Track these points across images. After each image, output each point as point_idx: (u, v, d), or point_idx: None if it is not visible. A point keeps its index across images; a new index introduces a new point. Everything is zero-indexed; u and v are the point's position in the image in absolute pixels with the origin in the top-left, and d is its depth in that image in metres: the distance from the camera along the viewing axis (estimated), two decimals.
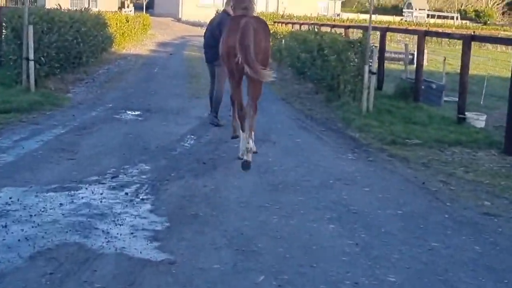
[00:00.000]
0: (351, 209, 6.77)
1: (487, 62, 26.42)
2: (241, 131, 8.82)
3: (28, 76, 13.08)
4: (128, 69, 21.36)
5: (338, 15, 71.45)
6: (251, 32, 8.06)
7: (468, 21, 76.54)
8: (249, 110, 8.64)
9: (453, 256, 5.59)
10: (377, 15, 60.59)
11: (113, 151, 8.94)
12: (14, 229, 5.57)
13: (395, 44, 40.95)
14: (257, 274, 4.93)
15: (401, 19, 70.49)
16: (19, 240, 5.33)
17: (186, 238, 5.63)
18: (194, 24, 56.74)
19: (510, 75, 10.31)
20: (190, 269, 4.95)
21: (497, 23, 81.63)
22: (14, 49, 13.50)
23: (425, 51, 16.94)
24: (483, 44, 38.56)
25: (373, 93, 12.99)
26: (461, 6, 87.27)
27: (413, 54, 22.49)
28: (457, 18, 77.21)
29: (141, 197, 6.78)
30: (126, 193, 6.88)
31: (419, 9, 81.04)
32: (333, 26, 24.80)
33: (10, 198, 6.44)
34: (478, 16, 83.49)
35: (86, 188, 6.97)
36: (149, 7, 70.00)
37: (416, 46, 21.59)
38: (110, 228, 5.74)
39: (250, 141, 8.43)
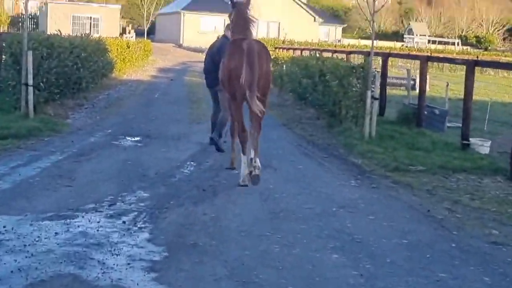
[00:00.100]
0: (355, 238, 6.58)
1: (489, 87, 26.30)
2: (242, 154, 8.75)
3: (27, 102, 12.95)
4: (129, 95, 21.26)
5: (339, 40, 71.60)
6: (255, 55, 8.24)
7: (469, 47, 76.73)
8: (253, 131, 8.74)
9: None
10: (378, 40, 60.71)
11: (111, 178, 8.77)
12: (7, 260, 5.38)
13: (396, 69, 40.93)
14: None
15: (402, 45, 70.69)
16: (11, 271, 5.14)
17: (184, 269, 5.44)
18: (195, 50, 56.82)
19: None
20: None
21: (498, 49, 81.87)
22: (13, 74, 13.41)
23: (427, 76, 16.80)
24: (484, 69, 38.55)
25: (375, 119, 12.84)
26: (462, 32, 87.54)
27: (414, 80, 22.44)
28: (458, 44, 77.40)
29: (139, 226, 6.59)
30: (124, 222, 6.69)
31: (420, 35, 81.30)
32: (335, 51, 24.76)
33: (4, 227, 6.25)
34: (479, 42, 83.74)
35: (83, 216, 6.79)
36: (151, 33, 70.27)
37: (417, 71, 21.60)
38: (106, 258, 5.55)
39: (257, 160, 8.58)
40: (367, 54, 16.23)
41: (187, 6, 66.27)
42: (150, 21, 70.20)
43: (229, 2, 9.38)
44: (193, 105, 18.54)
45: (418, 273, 5.66)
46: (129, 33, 60.68)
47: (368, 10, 13.03)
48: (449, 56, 39.15)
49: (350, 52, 22.33)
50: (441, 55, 38.60)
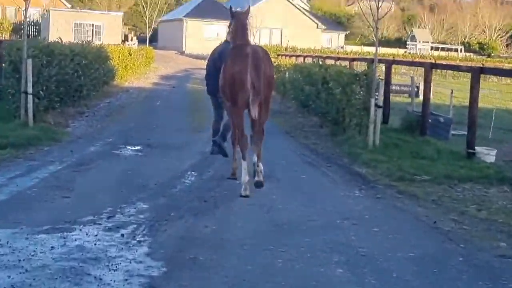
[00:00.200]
0: (360, 251, 6.39)
1: (493, 94, 26.14)
2: (242, 160, 8.66)
3: (26, 111, 12.80)
4: (130, 103, 21.12)
5: (342, 47, 71.45)
6: (260, 58, 8.47)
7: (472, 54, 76.54)
8: (256, 138, 8.83)
9: None
10: (380, 47, 60.49)
11: (111, 189, 8.60)
12: (0, 276, 5.19)
13: (399, 76, 40.79)
14: None
15: (405, 52, 70.52)
16: None
17: (184, 285, 5.25)
18: (197, 57, 56.70)
19: None
20: None
21: (501, 55, 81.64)
22: (12, 82, 13.26)
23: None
24: (488, 76, 38.34)
25: (379, 127, 12.65)
26: (464, 39, 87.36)
27: (417, 87, 22.26)
28: (461, 51, 77.25)
29: (137, 239, 6.40)
30: (122, 235, 6.50)
31: (423, 42, 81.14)
32: (338, 58, 24.60)
33: None
34: (482, 49, 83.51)
35: (80, 230, 6.60)
36: (153, 40, 70.22)
37: (420, 78, 21.47)
38: (103, 274, 5.36)
39: (260, 164, 8.76)
40: (371, 61, 16.10)
41: (189, 13, 66.28)
42: (152, 28, 70.13)
43: (229, 12, 9.41)
44: (194, 113, 18.39)
45: None
46: (131, 40, 60.61)
47: (372, 17, 12.86)
48: (454, 63, 38.91)
49: (353, 59, 22.18)
50: (445, 62, 38.39)
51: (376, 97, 12.58)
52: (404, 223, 7.68)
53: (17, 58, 13.00)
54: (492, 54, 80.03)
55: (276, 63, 27.03)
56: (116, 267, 5.55)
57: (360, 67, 22.68)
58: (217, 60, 10.65)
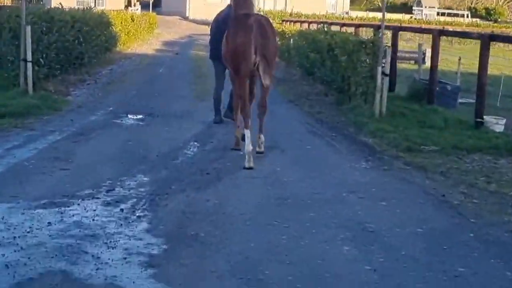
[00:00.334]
0: (367, 227, 6.18)
1: (500, 61, 25.73)
2: (245, 129, 8.54)
3: (26, 78, 12.53)
4: (132, 70, 20.83)
5: (347, 13, 70.65)
6: (264, 28, 8.45)
7: (478, 19, 75.68)
8: (260, 109, 8.98)
9: (482, 285, 5.01)
10: (386, 13, 59.89)
11: (111, 160, 8.39)
12: None
13: (404, 42, 40.27)
14: None
15: (411, 17, 69.72)
16: None
17: (185, 264, 5.06)
18: (201, 22, 56.08)
19: None
20: None
21: (508, 20, 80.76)
22: (11, 50, 12.98)
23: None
24: (493, 42, 37.84)
25: (386, 96, 12.37)
26: (471, 4, 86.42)
27: (424, 54, 21.88)
28: (467, 16, 76.38)
29: (137, 214, 6.20)
30: (122, 209, 6.31)
31: (429, 7, 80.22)
32: (343, 25, 24.16)
33: None
34: (489, 14, 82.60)
35: (78, 204, 6.40)
36: (156, 5, 69.44)
37: (426, 45, 21.07)
38: (101, 252, 5.17)
39: (262, 136, 8.97)
40: (377, 28, 15.74)
41: None
42: None
43: None
44: (197, 80, 18.11)
45: (436, 267, 5.26)
46: (134, 5, 60.03)
47: None
48: (464, 29, 38.35)
49: (359, 26, 21.79)
50: (453, 29, 37.80)
51: (383, 65, 12.28)
52: (412, 196, 7.45)
53: (16, 25, 12.71)
54: (499, 20, 79.15)
55: (281, 29, 26.67)
56: (115, 244, 5.37)
57: (366, 33, 22.29)
58: (221, 24, 10.44)
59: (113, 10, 30.62)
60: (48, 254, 5.07)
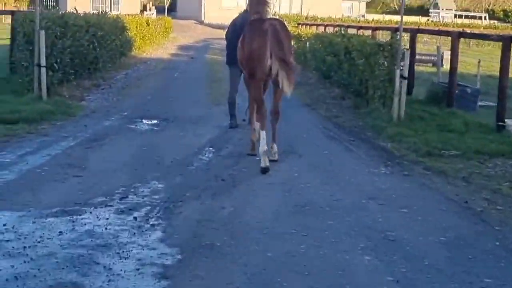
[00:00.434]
0: (388, 236, 5.96)
1: None
2: (261, 130, 8.47)
3: (40, 84, 12.41)
4: (147, 74, 20.70)
5: (363, 16, 70.33)
6: (280, 33, 8.36)
7: (496, 21, 75.00)
8: (273, 115, 8.96)
9: None
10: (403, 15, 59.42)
11: (124, 167, 8.22)
12: (3, 265, 4.84)
13: (421, 45, 39.93)
14: None
15: (428, 20, 69.13)
16: (7, 279, 4.61)
17: (200, 276, 4.87)
18: (216, 26, 55.96)
19: None
20: None
21: None
22: (26, 55, 12.86)
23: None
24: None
25: (405, 99, 12.13)
26: (489, 6, 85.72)
27: (442, 56, 21.60)
28: (485, 18, 75.70)
29: (151, 223, 6.02)
30: (135, 218, 6.13)
31: (446, 9, 79.62)
32: (360, 27, 23.94)
33: (5, 225, 5.73)
34: (507, 16, 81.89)
35: (91, 212, 6.23)
36: (172, 10, 69.53)
37: (443, 47, 20.83)
38: (114, 263, 4.99)
39: (275, 146, 8.81)
40: (394, 30, 15.51)
41: None
42: None
43: None
44: (213, 85, 17.94)
45: (461, 278, 5.04)
46: (149, 10, 60.07)
47: None
48: (482, 32, 37.92)
49: (376, 28, 21.49)
50: (471, 31, 37.36)
51: (401, 68, 12.06)
52: (433, 203, 7.22)
53: (30, 29, 12.60)
54: None
55: (297, 32, 26.48)
56: (127, 254, 5.19)
57: (383, 36, 22.04)
58: (237, 29, 10.34)
59: (128, 14, 30.59)
60: (59, 265, 4.89)
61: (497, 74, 12.08)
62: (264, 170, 8.12)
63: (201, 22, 61.93)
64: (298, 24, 38.99)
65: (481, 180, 8.29)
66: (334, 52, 16.54)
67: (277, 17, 10.50)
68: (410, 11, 76.73)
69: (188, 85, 18.27)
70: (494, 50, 41.25)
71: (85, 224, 5.88)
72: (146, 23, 30.69)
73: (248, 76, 8.97)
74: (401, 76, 11.95)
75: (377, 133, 11.16)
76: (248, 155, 9.07)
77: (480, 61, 17.07)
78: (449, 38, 17.12)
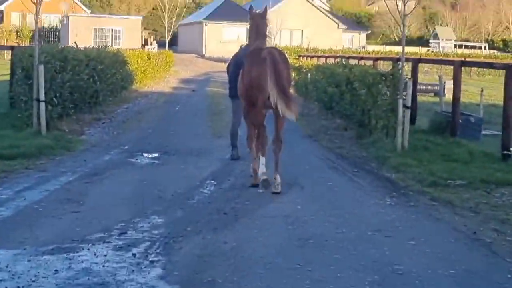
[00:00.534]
0: (396, 269, 5.76)
1: None
2: (261, 156, 8.64)
3: (39, 118, 12.30)
4: (149, 108, 20.62)
5: (364, 47, 70.60)
6: (278, 61, 8.45)
7: (496, 51, 75.23)
8: (276, 144, 8.86)
9: None
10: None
11: (124, 201, 8.05)
12: None
13: (423, 75, 39.96)
14: None
15: (428, 50, 69.44)
16: None
17: None
18: (217, 60, 56.19)
19: None
20: None
21: None
22: (25, 89, 12.79)
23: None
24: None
25: (408, 129, 11.98)
26: (488, 36, 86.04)
27: (444, 85, 21.51)
28: (485, 48, 75.92)
29: (150, 259, 5.83)
30: (134, 254, 5.94)
31: (446, 39, 79.90)
32: (361, 58, 23.94)
33: None
34: (506, 46, 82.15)
35: (88, 249, 6.04)
36: (173, 44, 69.89)
37: (444, 76, 20.73)
38: None
39: (278, 176, 8.61)
40: (395, 60, 15.42)
41: (209, 16, 65.75)
42: (172, 32, 69.82)
43: (248, 13, 9.46)
44: (214, 118, 17.85)
45: None
46: (151, 44, 60.33)
47: (398, 13, 12.19)
48: (486, 60, 37.92)
49: (377, 59, 21.49)
50: (473, 60, 37.33)
51: (404, 97, 11.93)
52: (441, 234, 7.02)
53: (29, 64, 12.53)
54: None
55: (298, 64, 26.48)
56: None
57: (384, 66, 21.99)
58: (239, 62, 10.29)
59: (129, 49, 30.62)
60: None
61: (499, 103, 11.97)
62: (264, 183, 8.54)
63: (202, 56, 62.18)
64: (299, 56, 39.12)
65: (489, 210, 8.10)
66: (336, 82, 16.45)
67: (277, 47, 10.49)
68: (410, 41, 76.97)
69: (189, 118, 18.16)
70: (495, 79, 41.26)
71: (82, 262, 5.69)
72: (147, 57, 30.75)
73: (248, 105, 8.94)
74: (404, 106, 11.82)
75: (381, 164, 11.00)
76: (250, 186, 8.90)
77: (483, 90, 16.95)
78: (450, 67, 17.05)
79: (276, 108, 8.26)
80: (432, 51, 68.49)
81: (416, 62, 16.25)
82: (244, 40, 39.14)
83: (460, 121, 13.82)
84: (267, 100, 8.42)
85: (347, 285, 5.34)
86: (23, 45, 46.22)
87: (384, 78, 12.81)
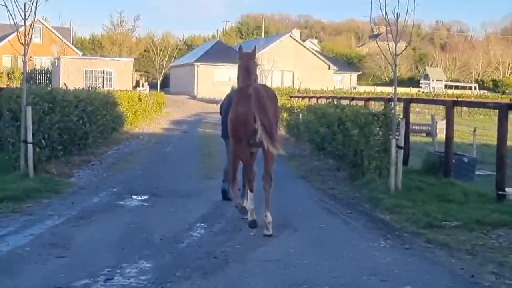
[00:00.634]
0: None
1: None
2: (249, 191, 8.86)
3: (26, 160, 12.09)
4: (139, 149, 20.43)
5: (355, 88, 71.00)
6: (263, 96, 8.46)
7: (486, 91, 75.74)
8: (265, 180, 8.73)
9: None
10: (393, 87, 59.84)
11: (111, 246, 7.81)
12: None
13: (414, 115, 40.03)
14: None
15: (418, 90, 69.87)
16: None
17: None
18: (209, 101, 56.29)
19: None
20: None
21: None
22: (12, 131, 12.59)
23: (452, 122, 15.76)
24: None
25: (401, 169, 11.83)
26: (478, 76, 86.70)
27: (435, 125, 21.48)
28: (475, 88, 76.46)
29: None
30: None
31: (437, 80, 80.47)
32: (353, 98, 23.90)
33: None
34: (496, 86, 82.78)
35: None
36: (165, 85, 70.05)
37: (436, 117, 20.70)
38: None
39: (268, 214, 8.48)
40: (387, 100, 15.34)
41: (200, 58, 66.06)
42: (163, 73, 70.06)
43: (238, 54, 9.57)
44: (205, 159, 17.67)
45: None
46: (142, 86, 60.43)
47: (390, 53, 12.12)
48: (479, 100, 38.04)
49: (369, 99, 21.45)
50: (465, 99, 37.42)
51: (397, 137, 11.81)
52: (439, 278, 6.82)
53: (16, 105, 12.36)
54: (507, 91, 79.15)
55: (289, 105, 26.42)
56: None
57: (375, 106, 21.94)
58: (231, 103, 10.20)
59: (120, 90, 30.54)
60: None
61: (492, 143, 11.85)
62: (252, 224, 8.65)
63: (194, 97, 62.28)
64: (291, 96, 39.17)
65: (486, 253, 7.91)
66: (328, 123, 16.33)
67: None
68: (401, 82, 77.47)
69: (180, 159, 17.99)
70: (486, 119, 41.39)
71: None
72: (138, 98, 30.65)
73: (235, 141, 8.88)
74: (397, 146, 11.69)
75: (375, 205, 10.82)
76: (242, 218, 9.06)
77: (475, 130, 16.87)
78: (441, 108, 17.00)
79: (262, 143, 8.27)
80: (423, 92, 68.94)
81: (408, 102, 16.17)
82: (235, 81, 39.22)
83: (453, 161, 13.70)
84: (253, 135, 8.42)
85: None
86: (14, 86, 46.22)
87: (376, 118, 12.70)
